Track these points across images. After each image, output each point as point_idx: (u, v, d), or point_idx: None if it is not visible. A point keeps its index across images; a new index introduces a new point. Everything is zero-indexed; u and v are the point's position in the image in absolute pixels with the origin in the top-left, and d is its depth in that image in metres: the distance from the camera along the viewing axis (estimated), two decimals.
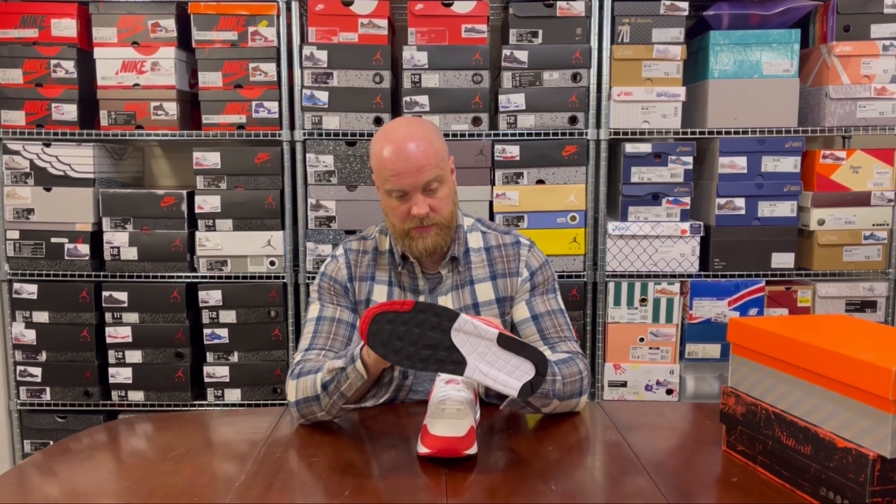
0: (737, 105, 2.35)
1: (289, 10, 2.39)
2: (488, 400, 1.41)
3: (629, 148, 2.35)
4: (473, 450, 1.13)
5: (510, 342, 1.12)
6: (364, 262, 1.52)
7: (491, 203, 2.39)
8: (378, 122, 2.38)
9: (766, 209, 2.37)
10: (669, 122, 2.36)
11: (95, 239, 2.45)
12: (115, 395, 2.47)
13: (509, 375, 1.12)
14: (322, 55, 2.35)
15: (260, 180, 2.41)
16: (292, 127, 2.42)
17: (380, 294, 1.49)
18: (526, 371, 1.12)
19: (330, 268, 1.52)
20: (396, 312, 1.12)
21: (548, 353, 1.41)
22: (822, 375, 0.98)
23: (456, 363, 1.12)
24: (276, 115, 2.40)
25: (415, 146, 1.36)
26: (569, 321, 1.50)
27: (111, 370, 2.46)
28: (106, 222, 2.42)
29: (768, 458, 1.08)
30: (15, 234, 2.43)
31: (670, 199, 2.38)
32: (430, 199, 1.39)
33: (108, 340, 2.44)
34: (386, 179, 1.39)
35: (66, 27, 2.41)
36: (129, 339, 2.44)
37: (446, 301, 1.49)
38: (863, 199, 2.38)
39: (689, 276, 2.40)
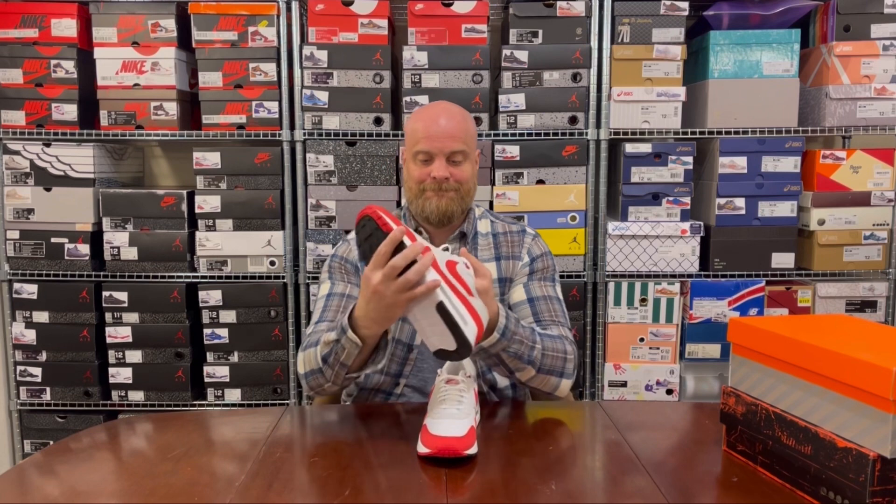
0: (737, 105, 2.35)
1: (289, 10, 2.39)
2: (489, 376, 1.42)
3: (629, 148, 2.35)
4: (473, 450, 1.13)
5: (445, 313, 1.14)
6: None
7: (491, 203, 2.38)
8: (378, 122, 2.38)
9: (767, 209, 2.38)
10: (669, 122, 2.36)
11: (95, 239, 2.45)
12: (115, 395, 2.47)
13: (433, 335, 1.17)
14: (322, 55, 2.35)
15: (260, 180, 2.41)
16: (292, 127, 2.42)
17: None
18: (448, 343, 1.16)
19: (341, 249, 1.57)
20: (378, 226, 1.17)
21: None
22: (822, 375, 0.98)
23: None
24: (276, 115, 2.40)
25: (450, 118, 1.47)
26: (565, 311, 1.52)
27: (111, 370, 2.46)
28: (106, 222, 2.42)
29: (768, 458, 1.08)
30: (15, 234, 2.43)
31: (670, 199, 2.38)
32: (452, 168, 1.46)
33: (108, 340, 2.44)
34: (417, 141, 1.46)
35: (66, 27, 2.41)
36: (129, 339, 2.44)
37: None
38: (863, 199, 2.38)
39: (689, 276, 2.40)
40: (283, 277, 2.44)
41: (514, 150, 2.36)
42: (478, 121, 2.37)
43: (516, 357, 1.31)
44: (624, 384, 2.43)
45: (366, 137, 2.38)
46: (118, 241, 2.42)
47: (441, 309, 1.14)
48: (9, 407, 2.52)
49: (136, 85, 2.41)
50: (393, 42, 2.50)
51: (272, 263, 2.43)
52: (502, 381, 1.52)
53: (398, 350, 1.49)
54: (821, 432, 0.97)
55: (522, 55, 2.36)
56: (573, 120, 2.38)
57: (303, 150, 2.40)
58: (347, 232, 2.39)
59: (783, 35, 2.35)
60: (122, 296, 2.43)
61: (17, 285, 2.44)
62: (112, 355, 2.46)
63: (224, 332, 2.44)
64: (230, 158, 2.40)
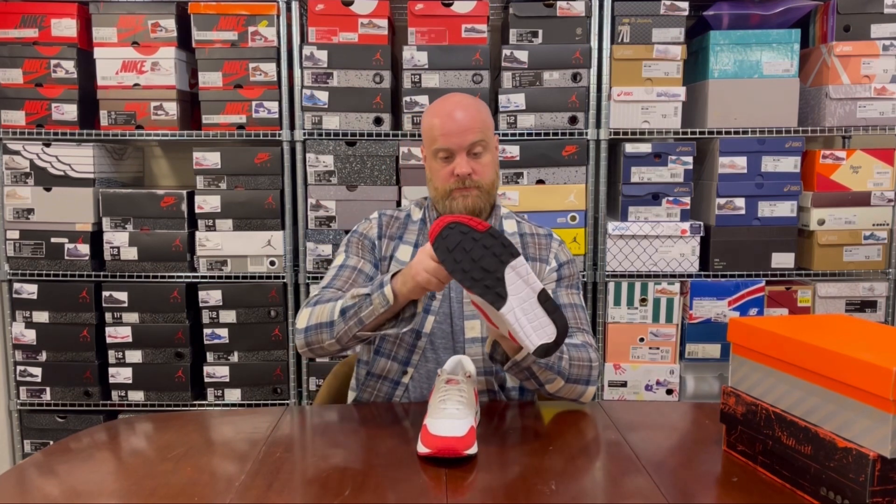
0: (737, 105, 2.35)
1: (289, 10, 2.39)
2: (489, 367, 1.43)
3: (629, 148, 2.35)
4: (473, 450, 1.13)
5: (548, 301, 1.17)
6: (395, 225, 1.59)
7: None
8: (378, 122, 2.38)
9: (766, 209, 2.37)
10: (669, 122, 2.36)
11: (95, 239, 2.45)
12: (115, 395, 2.47)
13: (534, 330, 1.16)
14: (322, 55, 2.35)
15: (260, 180, 2.41)
16: (292, 127, 2.42)
17: (404, 254, 1.54)
18: (549, 334, 1.17)
19: (362, 226, 1.60)
20: (471, 227, 1.18)
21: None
22: (822, 375, 0.98)
23: (498, 296, 1.16)
24: (276, 115, 2.40)
25: (464, 111, 1.47)
26: (588, 319, 1.54)
27: (111, 370, 2.46)
28: (106, 222, 2.42)
29: (768, 458, 1.08)
30: (15, 234, 2.43)
31: (670, 199, 2.38)
32: (474, 162, 1.47)
33: (108, 340, 2.44)
34: (434, 139, 1.47)
35: (66, 27, 2.41)
36: (129, 339, 2.44)
37: None
38: (863, 199, 2.38)
39: (689, 276, 2.40)
40: (283, 277, 2.44)
41: (514, 150, 2.36)
42: None
43: (547, 368, 1.32)
44: (624, 384, 2.43)
45: (366, 137, 2.38)
46: (118, 241, 2.42)
47: (544, 295, 1.17)
48: (9, 407, 2.52)
49: (136, 85, 2.40)
50: (393, 42, 2.49)
51: (272, 263, 2.43)
52: (511, 381, 1.52)
53: (406, 336, 1.50)
54: (821, 432, 0.97)
55: (522, 55, 2.35)
56: (573, 120, 2.38)
57: (303, 150, 2.40)
58: (347, 231, 2.39)
59: (783, 35, 2.34)
60: (122, 296, 2.43)
61: (17, 285, 2.44)
62: (112, 355, 2.46)
63: (224, 332, 2.44)
64: (230, 158, 2.40)
